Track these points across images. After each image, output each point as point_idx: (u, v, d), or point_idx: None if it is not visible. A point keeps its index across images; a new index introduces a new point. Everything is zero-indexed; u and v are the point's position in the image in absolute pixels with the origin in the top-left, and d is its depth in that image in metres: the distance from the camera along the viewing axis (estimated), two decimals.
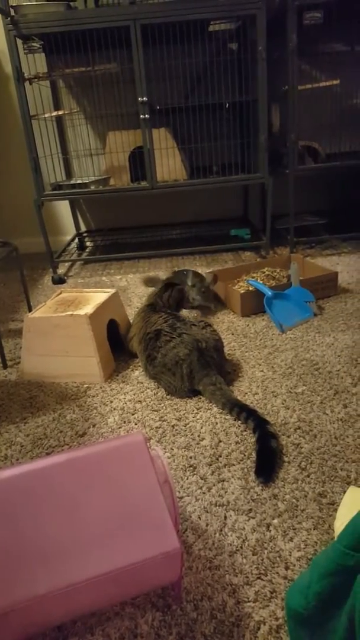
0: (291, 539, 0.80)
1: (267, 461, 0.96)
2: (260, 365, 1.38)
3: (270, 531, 0.82)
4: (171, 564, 0.63)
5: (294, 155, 2.14)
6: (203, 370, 1.23)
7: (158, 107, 2.28)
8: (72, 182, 2.43)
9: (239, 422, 1.12)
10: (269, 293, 1.68)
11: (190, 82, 2.54)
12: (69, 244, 2.80)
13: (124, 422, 1.17)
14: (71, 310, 1.38)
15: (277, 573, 0.75)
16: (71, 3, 2.16)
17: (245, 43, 2.34)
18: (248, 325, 1.65)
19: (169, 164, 2.27)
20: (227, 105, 2.24)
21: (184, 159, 2.37)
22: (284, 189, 2.26)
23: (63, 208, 2.90)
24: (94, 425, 1.17)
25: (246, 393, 1.24)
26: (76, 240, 2.89)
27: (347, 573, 0.41)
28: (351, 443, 1.02)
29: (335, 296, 1.81)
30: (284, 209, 2.37)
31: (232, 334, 1.59)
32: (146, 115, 2.13)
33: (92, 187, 2.31)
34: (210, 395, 1.21)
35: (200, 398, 1.24)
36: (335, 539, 0.44)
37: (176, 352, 1.25)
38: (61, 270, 2.54)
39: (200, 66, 2.48)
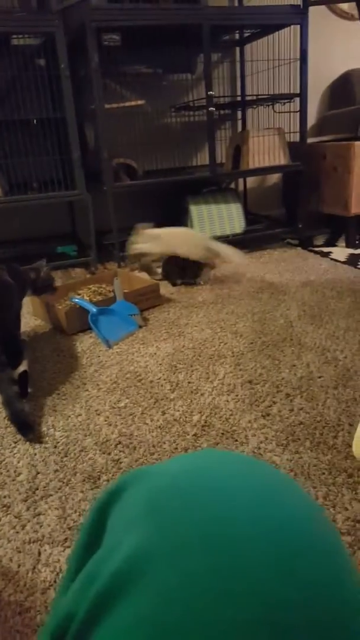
0: None
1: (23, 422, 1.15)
2: (85, 384, 1.37)
3: None
4: None
5: (109, 172, 2.19)
6: None
7: None
8: None
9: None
10: (94, 310, 1.69)
11: None
12: None
13: None
14: None
15: None
16: None
17: (53, 59, 2.33)
18: (75, 344, 1.63)
19: None
20: (35, 121, 2.20)
21: None
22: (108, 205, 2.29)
23: None
24: None
25: (69, 416, 1.22)
26: None
27: None
28: (167, 449, 1.07)
29: (159, 306, 1.90)
30: (110, 224, 2.41)
31: (58, 355, 1.56)
32: None
33: None
34: None
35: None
36: None
37: None
38: None
39: (7, 80, 2.39)
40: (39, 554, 0.82)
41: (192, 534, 0.26)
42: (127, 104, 2.22)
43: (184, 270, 2.12)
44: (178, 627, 0.22)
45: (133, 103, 2.23)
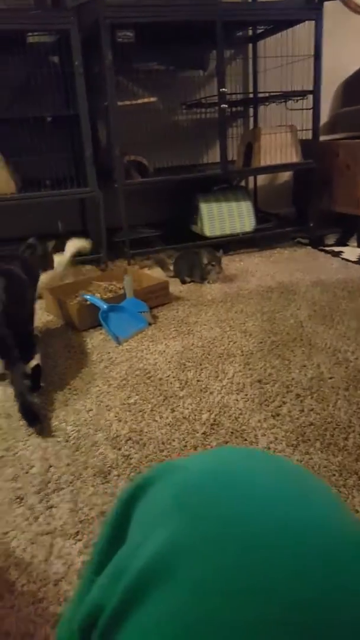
0: None
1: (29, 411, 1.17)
2: (95, 380, 1.39)
3: None
4: None
5: (120, 169, 2.20)
6: None
7: None
8: None
9: None
10: (104, 306, 1.70)
11: (12, 94, 2.45)
12: None
13: None
14: None
15: None
16: None
17: (67, 57, 2.34)
18: (85, 340, 1.65)
19: None
20: (49, 119, 2.21)
21: (13, 172, 2.28)
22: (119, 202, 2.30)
23: None
24: None
25: (80, 411, 1.24)
26: None
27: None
28: (177, 446, 1.08)
29: (168, 304, 1.91)
30: (121, 221, 2.42)
31: (69, 352, 1.58)
32: None
33: None
34: None
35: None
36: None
37: None
38: None
39: (22, 78, 2.40)
40: (52, 546, 0.84)
41: (219, 531, 0.27)
42: (140, 101, 2.23)
43: (192, 269, 2.12)
44: (206, 623, 0.23)
45: (145, 100, 2.23)
